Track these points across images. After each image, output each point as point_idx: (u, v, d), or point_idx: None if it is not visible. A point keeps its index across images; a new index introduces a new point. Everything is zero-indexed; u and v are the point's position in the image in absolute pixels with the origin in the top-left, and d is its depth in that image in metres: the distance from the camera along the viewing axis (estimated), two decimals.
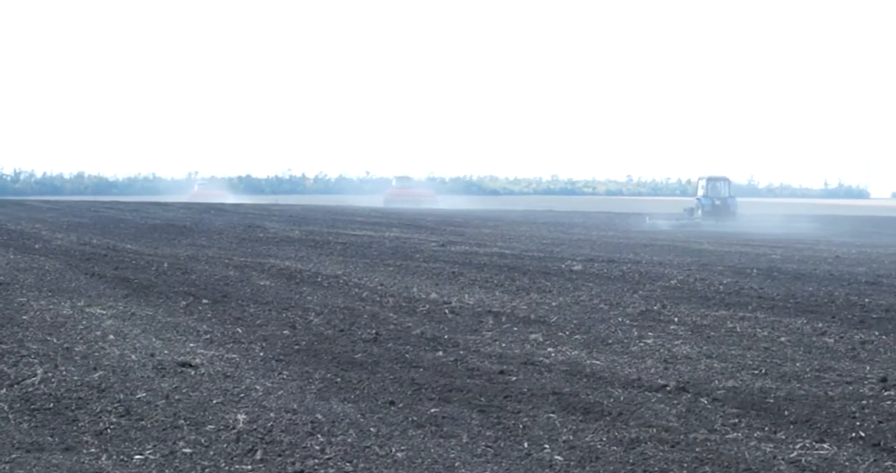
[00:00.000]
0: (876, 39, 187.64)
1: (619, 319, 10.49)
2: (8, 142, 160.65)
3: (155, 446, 5.51)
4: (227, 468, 5.19)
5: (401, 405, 6.56)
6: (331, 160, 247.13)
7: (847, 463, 5.48)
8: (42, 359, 7.63)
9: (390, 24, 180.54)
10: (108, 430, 5.79)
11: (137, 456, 5.33)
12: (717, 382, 7.41)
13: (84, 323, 9.42)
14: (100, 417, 6.05)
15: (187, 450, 5.44)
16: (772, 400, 6.85)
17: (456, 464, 5.31)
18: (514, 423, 6.15)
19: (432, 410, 6.43)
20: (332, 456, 5.37)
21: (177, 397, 6.57)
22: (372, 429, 5.92)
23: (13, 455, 5.29)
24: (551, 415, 6.35)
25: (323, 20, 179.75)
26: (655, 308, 11.36)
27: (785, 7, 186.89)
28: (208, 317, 10.12)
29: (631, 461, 5.44)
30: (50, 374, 7.10)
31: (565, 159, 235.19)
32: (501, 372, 7.64)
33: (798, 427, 6.20)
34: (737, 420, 6.30)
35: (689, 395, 6.96)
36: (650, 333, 9.59)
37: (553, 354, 8.48)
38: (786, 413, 6.53)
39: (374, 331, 9.43)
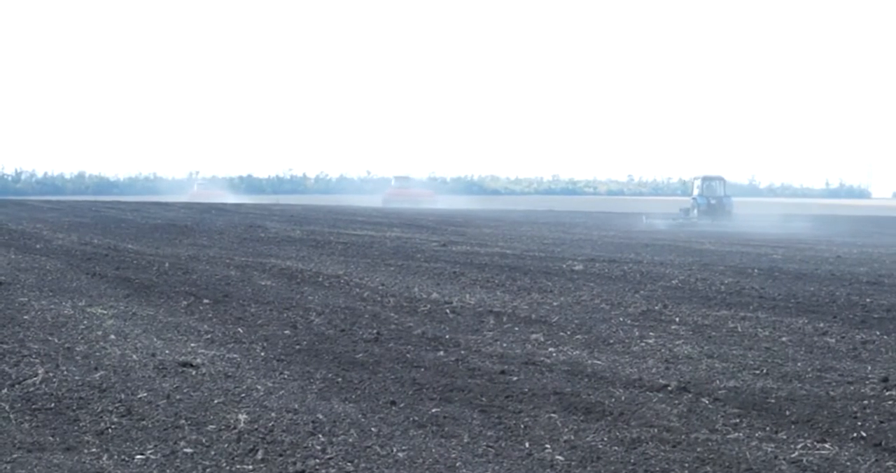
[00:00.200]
0: (877, 39, 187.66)
1: (621, 319, 10.48)
2: (9, 142, 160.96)
3: (156, 446, 5.51)
4: (228, 468, 5.19)
5: (402, 405, 6.56)
6: (332, 160, 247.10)
7: (848, 463, 5.47)
8: (43, 359, 7.63)
9: (391, 24, 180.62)
10: (110, 430, 5.79)
11: (139, 456, 5.33)
12: (718, 382, 7.41)
13: (85, 322, 9.43)
14: (101, 417, 6.05)
15: (188, 450, 5.44)
16: (773, 400, 6.84)
17: (457, 464, 5.31)
18: (515, 423, 6.14)
19: (433, 410, 6.43)
20: (334, 456, 5.37)
21: (178, 397, 6.57)
22: (373, 429, 5.92)
23: (14, 455, 5.29)
24: (552, 415, 6.35)
25: (323, 20, 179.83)
26: (657, 308, 11.35)
27: (786, 7, 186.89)
28: (209, 317, 10.12)
29: (632, 461, 5.43)
30: (51, 374, 7.10)
31: (566, 159, 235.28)
32: (503, 372, 7.63)
33: (799, 427, 6.19)
34: (738, 420, 6.29)
35: (690, 395, 6.95)
36: (651, 333, 9.58)
37: (554, 354, 8.48)
38: (787, 413, 6.52)
39: (375, 331, 9.43)
